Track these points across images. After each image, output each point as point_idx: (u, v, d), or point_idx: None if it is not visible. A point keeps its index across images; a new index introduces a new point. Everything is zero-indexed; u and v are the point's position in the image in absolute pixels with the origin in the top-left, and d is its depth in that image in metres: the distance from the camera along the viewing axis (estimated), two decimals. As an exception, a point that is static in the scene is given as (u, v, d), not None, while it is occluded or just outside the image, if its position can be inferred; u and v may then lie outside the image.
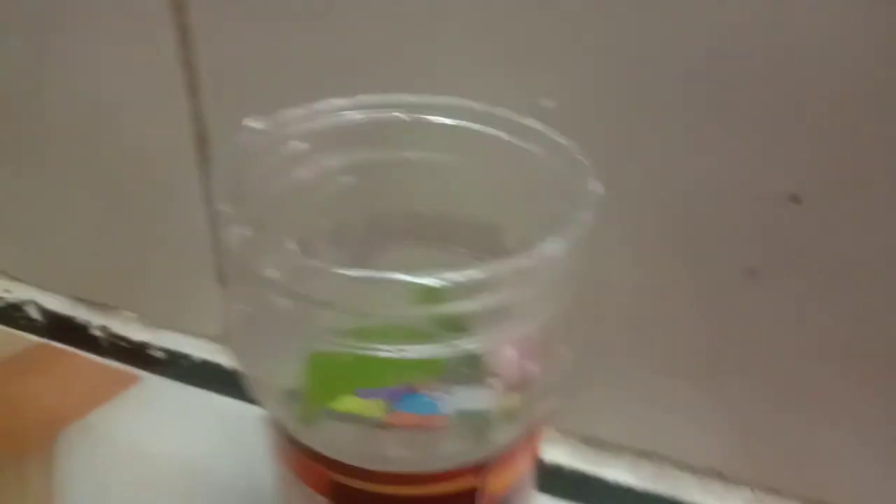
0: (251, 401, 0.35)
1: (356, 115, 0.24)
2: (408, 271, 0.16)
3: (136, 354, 0.38)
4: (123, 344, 0.38)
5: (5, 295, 0.40)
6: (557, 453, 0.32)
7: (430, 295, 0.16)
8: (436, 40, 0.27)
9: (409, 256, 0.26)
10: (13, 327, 0.39)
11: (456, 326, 0.18)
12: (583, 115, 0.26)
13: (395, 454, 0.19)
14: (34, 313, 0.39)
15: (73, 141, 0.34)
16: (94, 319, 0.39)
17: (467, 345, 0.17)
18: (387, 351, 0.17)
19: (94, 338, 0.38)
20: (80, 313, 0.39)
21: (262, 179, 0.22)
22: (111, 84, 0.32)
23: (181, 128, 0.32)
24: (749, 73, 0.24)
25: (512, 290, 0.17)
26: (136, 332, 0.38)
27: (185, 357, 0.37)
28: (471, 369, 0.20)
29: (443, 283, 0.16)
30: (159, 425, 0.36)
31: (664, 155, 0.26)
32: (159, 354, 0.38)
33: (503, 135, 0.23)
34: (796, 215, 0.25)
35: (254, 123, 0.22)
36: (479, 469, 0.20)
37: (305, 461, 0.21)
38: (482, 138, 0.23)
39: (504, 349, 0.19)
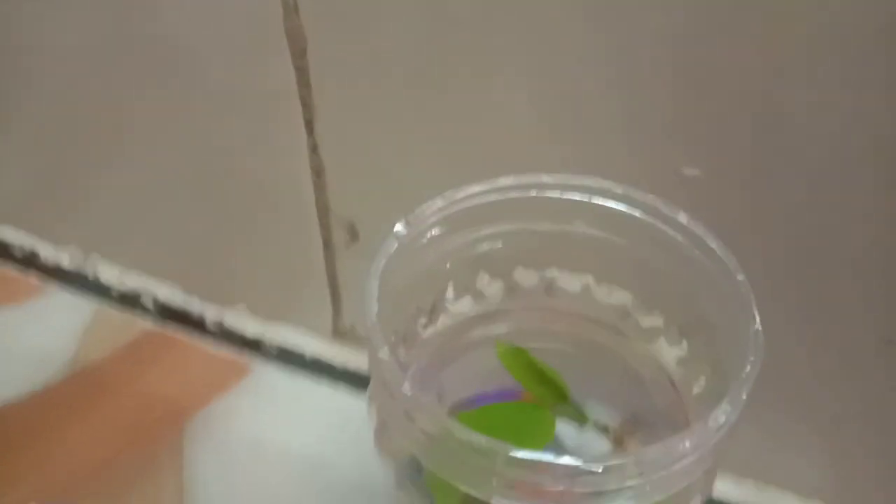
0: (361, 390, 0.37)
1: (492, 196, 0.24)
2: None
3: (249, 347, 0.39)
4: (237, 337, 0.40)
5: (119, 285, 0.42)
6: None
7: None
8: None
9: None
10: (127, 313, 0.41)
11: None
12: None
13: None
14: (148, 303, 0.41)
15: (187, 135, 0.34)
16: (207, 311, 0.40)
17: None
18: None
19: (207, 329, 0.40)
20: (193, 305, 0.41)
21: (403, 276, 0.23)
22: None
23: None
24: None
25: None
26: (249, 326, 0.40)
27: (298, 354, 0.39)
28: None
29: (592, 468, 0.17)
30: (276, 417, 0.38)
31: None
32: (271, 349, 0.39)
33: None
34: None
35: (400, 228, 0.22)
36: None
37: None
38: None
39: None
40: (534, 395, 0.24)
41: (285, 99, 0.30)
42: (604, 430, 0.25)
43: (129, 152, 0.37)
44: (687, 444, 0.17)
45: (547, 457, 0.17)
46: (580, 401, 0.28)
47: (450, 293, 0.25)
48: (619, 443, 0.26)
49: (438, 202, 0.23)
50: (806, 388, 0.29)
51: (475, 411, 0.24)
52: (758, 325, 0.19)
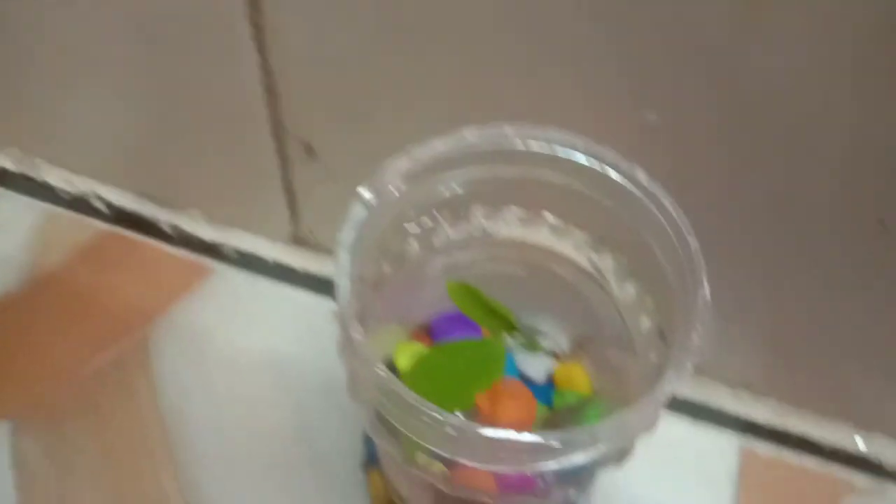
0: (325, 294, 0.38)
1: (456, 150, 0.24)
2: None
3: (208, 251, 0.40)
4: (195, 241, 0.40)
5: (67, 187, 0.41)
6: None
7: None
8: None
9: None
10: (82, 217, 0.41)
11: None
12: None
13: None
14: (100, 206, 0.41)
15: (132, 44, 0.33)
16: (162, 215, 0.40)
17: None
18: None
19: (164, 232, 0.40)
20: (147, 209, 0.40)
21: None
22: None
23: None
24: None
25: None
26: (206, 231, 0.40)
27: (259, 258, 0.39)
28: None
29: (555, 442, 0.18)
30: (240, 318, 0.39)
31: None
32: (232, 254, 0.40)
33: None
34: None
35: (365, 193, 0.22)
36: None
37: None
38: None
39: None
40: (485, 327, 0.26)
41: (235, 17, 0.29)
42: (553, 354, 0.27)
43: (74, 57, 0.35)
44: (637, 416, 0.19)
45: (501, 434, 0.18)
46: (531, 323, 0.30)
47: (413, 237, 0.26)
48: (569, 359, 0.28)
49: (403, 162, 0.23)
50: (742, 291, 0.31)
51: (433, 351, 0.25)
52: (706, 294, 0.20)
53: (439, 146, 0.23)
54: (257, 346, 0.38)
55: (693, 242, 0.21)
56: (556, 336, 0.30)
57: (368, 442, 0.34)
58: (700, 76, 0.25)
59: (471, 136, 0.23)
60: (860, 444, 0.34)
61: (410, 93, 0.29)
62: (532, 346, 0.27)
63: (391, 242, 0.25)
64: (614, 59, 0.25)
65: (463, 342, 0.26)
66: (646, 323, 0.25)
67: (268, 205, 0.37)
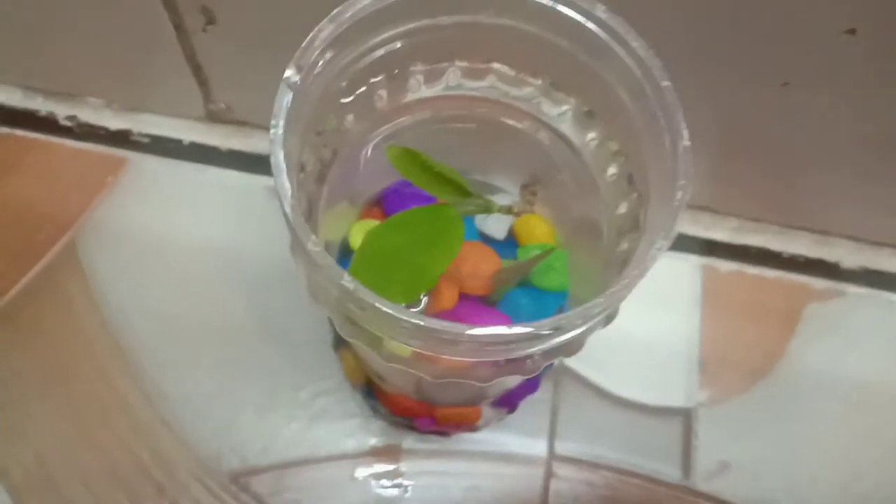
0: (253, 171, 0.35)
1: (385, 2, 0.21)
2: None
3: (117, 140, 0.36)
4: (101, 132, 0.36)
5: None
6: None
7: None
8: None
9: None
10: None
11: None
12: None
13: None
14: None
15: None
16: (59, 109, 0.36)
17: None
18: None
19: (64, 128, 0.36)
20: (40, 104, 0.36)
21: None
22: None
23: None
24: None
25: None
26: (111, 120, 0.36)
27: (173, 140, 0.36)
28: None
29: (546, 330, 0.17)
30: (167, 207, 0.36)
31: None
32: (143, 140, 0.36)
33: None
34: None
35: (291, 74, 0.19)
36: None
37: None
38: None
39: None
40: (434, 194, 0.24)
41: None
42: (509, 209, 0.26)
43: None
44: (626, 283, 0.18)
45: (490, 331, 0.17)
46: (484, 179, 0.28)
47: (350, 110, 0.23)
48: (526, 206, 0.26)
49: (327, 29, 0.20)
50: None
51: (382, 227, 0.23)
52: (686, 142, 0.19)
53: (365, 3, 0.20)
54: (193, 233, 0.35)
55: (669, 89, 0.19)
56: (511, 190, 0.28)
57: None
58: None
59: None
60: (817, 249, 0.34)
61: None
62: (487, 208, 0.25)
63: (327, 120, 0.23)
64: None
65: (413, 211, 0.24)
66: (612, 170, 0.24)
67: (173, 82, 0.33)
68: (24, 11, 0.31)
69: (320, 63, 0.20)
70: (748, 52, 0.25)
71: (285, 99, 0.19)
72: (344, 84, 0.22)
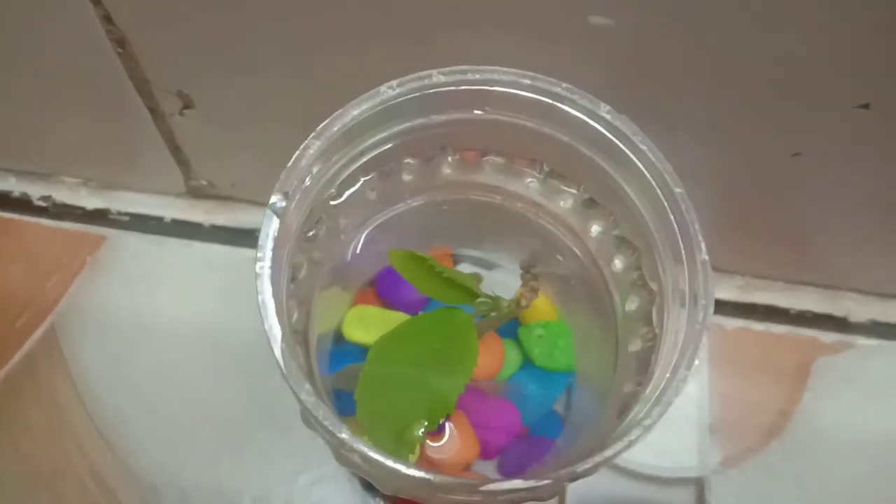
0: (237, 244, 0.33)
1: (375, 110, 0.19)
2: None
3: (95, 219, 0.34)
4: (77, 212, 0.34)
5: None
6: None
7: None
8: None
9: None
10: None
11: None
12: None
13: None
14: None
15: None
16: (33, 190, 0.34)
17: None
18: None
19: (39, 208, 0.34)
20: (13, 185, 0.34)
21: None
22: None
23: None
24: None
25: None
26: (88, 199, 0.34)
27: (154, 217, 0.34)
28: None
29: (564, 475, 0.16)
30: (148, 284, 0.34)
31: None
32: (123, 218, 0.34)
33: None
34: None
35: (277, 200, 0.18)
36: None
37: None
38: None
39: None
40: (441, 300, 0.23)
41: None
42: (517, 305, 0.24)
43: None
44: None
45: (505, 485, 0.16)
46: (479, 252, 0.27)
47: (342, 213, 0.22)
48: (532, 295, 0.25)
49: (313, 147, 0.18)
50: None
51: (392, 336, 0.22)
52: (704, 255, 0.17)
53: (353, 112, 0.19)
54: (178, 313, 0.34)
55: (683, 196, 0.18)
56: (509, 266, 0.27)
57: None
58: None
59: (390, 91, 0.19)
60: (825, 304, 0.33)
61: (299, 32, 0.24)
62: (496, 307, 0.23)
63: (318, 225, 0.21)
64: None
65: (421, 318, 0.23)
66: (619, 262, 0.22)
67: (152, 161, 0.32)
68: (11, 103, 0.30)
69: (307, 179, 0.19)
70: (760, 125, 0.24)
71: (271, 227, 0.17)
72: (333, 190, 0.21)
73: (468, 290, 0.22)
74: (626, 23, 0.21)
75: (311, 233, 0.21)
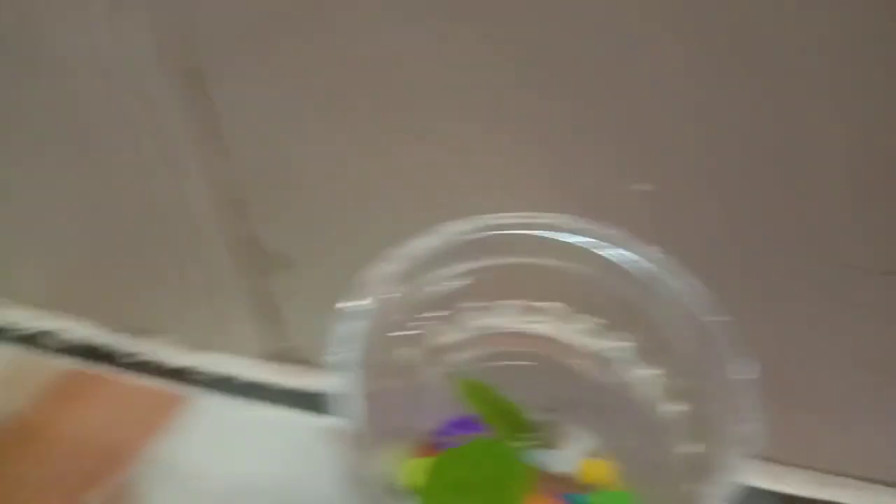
0: (308, 410, 0.35)
1: (444, 246, 0.22)
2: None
3: (179, 377, 0.37)
4: (164, 369, 0.37)
5: (32, 324, 0.38)
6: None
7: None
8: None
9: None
10: (42, 356, 0.38)
11: None
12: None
13: None
14: (63, 342, 0.38)
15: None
16: (127, 346, 0.37)
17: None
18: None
19: (131, 364, 0.37)
20: (111, 340, 0.38)
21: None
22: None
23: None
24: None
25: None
26: (174, 357, 0.37)
27: (232, 378, 0.37)
28: None
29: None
30: (221, 446, 0.36)
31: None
32: (203, 378, 0.37)
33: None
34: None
35: (348, 305, 0.20)
36: None
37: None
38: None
39: None
40: (495, 428, 0.24)
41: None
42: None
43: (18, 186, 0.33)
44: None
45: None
46: (548, 420, 0.28)
47: (405, 344, 0.24)
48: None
49: (384, 268, 0.21)
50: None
51: (442, 463, 0.23)
52: (759, 423, 0.18)
53: (420, 245, 0.21)
54: (247, 471, 0.35)
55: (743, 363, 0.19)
56: (577, 432, 0.27)
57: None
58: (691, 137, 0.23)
59: (453, 229, 0.22)
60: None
61: (394, 191, 0.27)
62: (549, 443, 0.24)
63: (382, 354, 0.23)
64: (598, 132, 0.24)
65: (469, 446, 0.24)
66: (669, 407, 0.23)
67: (241, 323, 0.35)
68: (107, 258, 0.34)
69: (378, 297, 0.21)
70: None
71: (341, 330, 0.19)
72: (399, 318, 0.23)
73: (520, 423, 0.23)
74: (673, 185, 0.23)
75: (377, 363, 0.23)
